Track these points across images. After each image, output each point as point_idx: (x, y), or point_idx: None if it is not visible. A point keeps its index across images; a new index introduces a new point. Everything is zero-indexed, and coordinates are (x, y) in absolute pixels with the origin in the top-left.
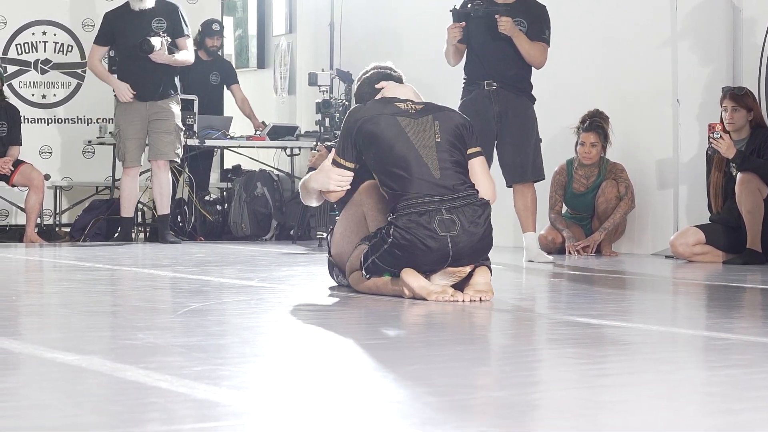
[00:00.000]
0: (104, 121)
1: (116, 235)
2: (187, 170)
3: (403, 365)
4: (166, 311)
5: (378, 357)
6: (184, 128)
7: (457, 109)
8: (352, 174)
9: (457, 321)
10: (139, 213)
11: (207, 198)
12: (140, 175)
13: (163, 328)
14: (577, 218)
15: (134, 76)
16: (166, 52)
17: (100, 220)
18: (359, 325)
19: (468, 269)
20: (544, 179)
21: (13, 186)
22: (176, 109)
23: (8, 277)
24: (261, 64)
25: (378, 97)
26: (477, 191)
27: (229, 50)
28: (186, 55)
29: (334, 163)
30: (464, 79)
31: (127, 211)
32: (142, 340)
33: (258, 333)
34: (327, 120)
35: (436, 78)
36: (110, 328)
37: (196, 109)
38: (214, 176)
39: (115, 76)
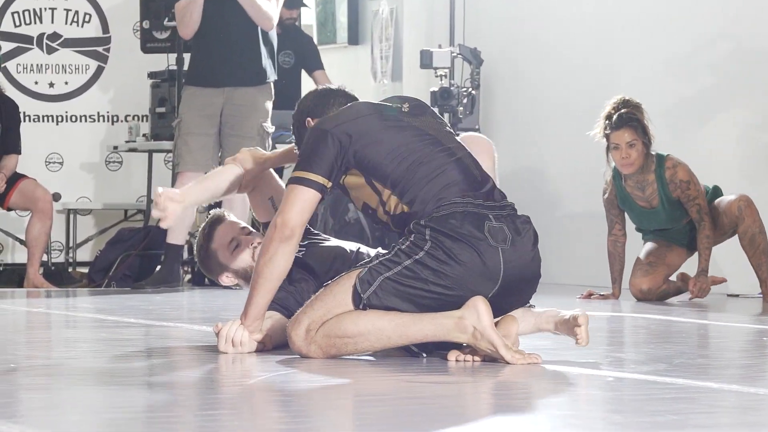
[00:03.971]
0: (136, 119)
1: (157, 270)
2: None
3: None
4: (229, 384)
5: None
6: (271, 131)
7: None
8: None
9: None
10: (185, 246)
11: None
12: None
13: (225, 407)
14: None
15: (210, 50)
16: None
17: (131, 257)
18: (494, 398)
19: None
20: None
21: (8, 210)
22: (266, 103)
23: (4, 336)
24: (353, 39)
25: None
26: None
27: (308, 20)
28: (267, 4)
29: (296, 179)
30: None
31: (176, 236)
32: (194, 425)
33: (357, 412)
34: (447, 115)
35: (592, 54)
36: (148, 408)
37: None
38: None
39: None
